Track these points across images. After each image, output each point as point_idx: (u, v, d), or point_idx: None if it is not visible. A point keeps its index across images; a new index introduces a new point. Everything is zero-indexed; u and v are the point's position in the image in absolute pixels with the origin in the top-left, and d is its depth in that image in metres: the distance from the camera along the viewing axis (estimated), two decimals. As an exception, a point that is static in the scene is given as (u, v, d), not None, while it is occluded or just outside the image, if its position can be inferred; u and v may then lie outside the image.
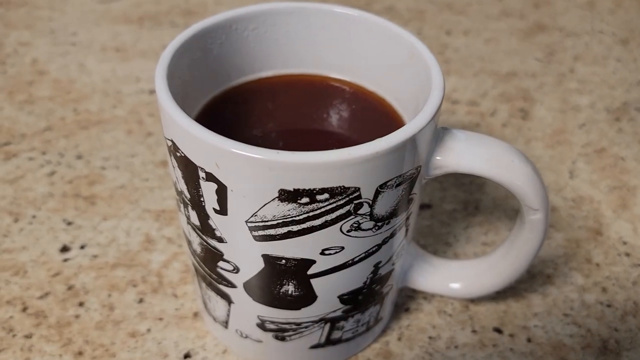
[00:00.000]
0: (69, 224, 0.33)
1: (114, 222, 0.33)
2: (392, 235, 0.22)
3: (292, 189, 0.19)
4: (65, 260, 0.31)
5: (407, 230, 0.24)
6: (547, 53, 0.49)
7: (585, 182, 0.37)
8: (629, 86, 0.45)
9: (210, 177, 0.19)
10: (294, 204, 0.19)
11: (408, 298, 0.30)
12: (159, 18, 0.51)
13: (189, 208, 0.22)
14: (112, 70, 0.45)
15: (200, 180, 0.20)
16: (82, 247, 0.32)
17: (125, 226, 0.33)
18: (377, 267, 0.23)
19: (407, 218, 0.23)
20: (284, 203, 0.19)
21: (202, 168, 0.19)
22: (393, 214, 0.21)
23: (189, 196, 0.21)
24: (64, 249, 0.32)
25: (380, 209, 0.20)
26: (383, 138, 0.19)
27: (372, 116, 0.26)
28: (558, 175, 0.37)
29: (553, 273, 0.32)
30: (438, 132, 0.22)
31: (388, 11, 0.53)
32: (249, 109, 0.26)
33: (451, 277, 0.27)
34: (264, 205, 0.19)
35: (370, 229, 0.21)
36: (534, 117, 0.42)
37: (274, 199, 0.19)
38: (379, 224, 0.21)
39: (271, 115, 0.26)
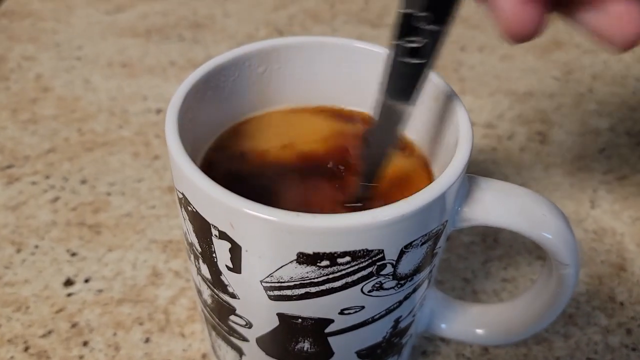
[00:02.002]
0: (73, 255, 0.32)
1: (119, 253, 0.32)
2: (414, 291, 0.21)
3: (311, 252, 0.17)
4: (69, 294, 0.30)
5: (429, 282, 0.22)
6: (564, 71, 0.47)
7: (607, 212, 0.36)
8: (650, 108, 0.44)
9: (223, 236, 0.18)
10: (313, 267, 0.18)
11: (425, 340, 0.29)
12: (166, 31, 0.50)
13: (200, 261, 0.21)
14: (118, 88, 0.44)
15: (213, 238, 0.19)
16: (86, 281, 0.31)
17: (132, 258, 0.32)
18: (397, 321, 0.22)
19: (431, 271, 0.22)
20: (302, 265, 0.18)
21: (215, 226, 0.18)
22: (417, 271, 0.20)
23: (199, 250, 0.20)
24: (68, 282, 0.31)
25: (404, 268, 0.19)
26: (410, 199, 0.17)
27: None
28: (578, 205, 0.36)
29: (575, 312, 0.30)
30: (464, 180, 0.20)
31: (401, 25, 0.52)
32: (262, 144, 0.25)
33: (474, 323, 0.26)
34: (281, 267, 0.18)
35: (393, 287, 0.20)
36: (552, 141, 0.41)
37: (291, 261, 0.18)
38: (402, 282, 0.20)
39: (285, 151, 0.25)
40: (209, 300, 0.22)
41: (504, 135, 0.41)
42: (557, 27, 0.52)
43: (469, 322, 0.26)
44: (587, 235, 0.34)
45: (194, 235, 0.20)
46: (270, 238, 0.17)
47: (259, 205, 0.17)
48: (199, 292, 0.23)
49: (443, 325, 0.26)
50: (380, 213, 0.17)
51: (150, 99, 0.43)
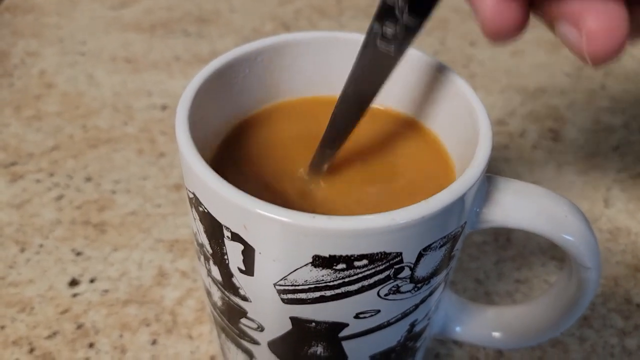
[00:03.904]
0: (78, 254, 0.31)
1: (125, 253, 0.31)
2: (431, 294, 0.20)
3: (327, 255, 0.17)
4: (75, 295, 0.29)
5: (445, 284, 0.22)
6: (576, 67, 0.46)
7: (622, 211, 0.35)
8: (663, 105, 0.43)
9: (236, 238, 0.18)
10: (329, 270, 0.17)
11: (438, 343, 0.28)
12: (171, 26, 0.49)
13: (210, 262, 0.20)
14: (122, 83, 0.43)
15: (225, 239, 0.18)
16: (91, 281, 0.30)
17: (137, 258, 0.31)
18: (413, 325, 0.21)
19: (447, 273, 0.21)
20: (317, 268, 0.17)
21: (227, 227, 0.18)
22: (434, 273, 0.19)
23: (210, 251, 0.20)
24: (73, 282, 0.30)
25: (422, 271, 0.19)
26: (429, 200, 0.17)
27: (406, 140, 0.24)
28: (592, 204, 0.35)
29: (591, 314, 0.30)
30: (483, 181, 0.20)
31: (409, 20, 0.51)
32: (275, 140, 0.24)
33: (490, 327, 0.25)
34: (296, 270, 0.17)
35: (410, 290, 0.19)
36: (565, 139, 0.40)
37: (307, 264, 0.17)
38: (419, 285, 0.19)
39: (298, 143, 0.24)
40: (219, 303, 0.22)
41: (515, 133, 0.40)
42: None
43: (485, 325, 0.25)
44: (601, 236, 0.34)
45: (204, 236, 0.19)
46: (285, 240, 0.17)
47: (273, 206, 0.16)
48: (209, 294, 0.22)
49: (458, 329, 0.25)
50: (400, 215, 0.16)
51: (155, 95, 0.42)
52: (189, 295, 0.30)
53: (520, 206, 0.20)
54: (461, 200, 0.17)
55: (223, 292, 0.21)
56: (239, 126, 0.24)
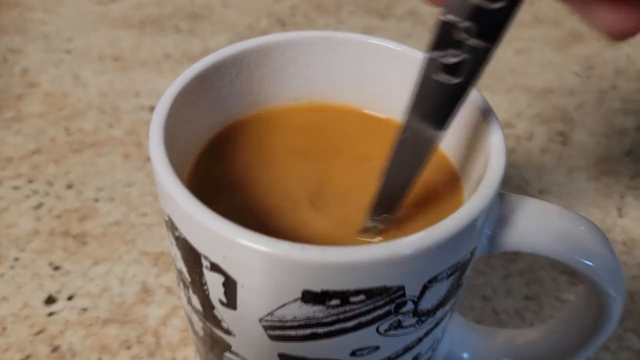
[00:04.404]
0: (56, 268, 0.29)
1: (106, 266, 0.29)
2: (436, 325, 0.18)
3: (319, 291, 0.15)
4: (51, 314, 0.27)
5: (452, 313, 0.20)
6: (585, 66, 0.44)
7: (636, 221, 0.33)
8: (678, 106, 0.41)
9: (215, 268, 0.16)
10: (321, 306, 0.15)
11: (442, 367, 0.26)
12: (162, 22, 0.47)
13: (190, 291, 0.18)
14: (109, 83, 0.41)
15: (204, 269, 0.16)
16: (69, 298, 0.28)
17: (119, 272, 0.29)
18: (416, 358, 0.19)
19: (455, 302, 0.19)
20: (308, 305, 0.15)
21: (206, 257, 0.16)
22: (440, 305, 0.17)
23: (189, 279, 0.17)
24: (50, 300, 0.28)
25: (427, 304, 0.17)
26: (435, 227, 0.15)
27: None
28: (605, 213, 0.33)
29: (605, 335, 0.28)
30: (496, 202, 0.18)
31: (410, 15, 0.49)
32: (262, 151, 0.22)
33: (499, 352, 0.23)
34: (283, 306, 0.15)
35: (412, 325, 0.17)
36: (574, 142, 0.38)
37: (295, 299, 0.15)
38: (423, 318, 0.17)
39: (289, 154, 0.22)
40: (201, 333, 0.20)
41: (523, 136, 0.38)
42: (576, 17, 0.49)
43: (494, 350, 0.23)
44: (615, 247, 0.32)
45: (182, 262, 0.17)
46: (270, 273, 0.15)
47: (257, 235, 0.14)
48: (191, 323, 0.20)
49: (465, 355, 0.23)
50: (402, 245, 0.14)
51: (143, 95, 0.40)
52: (174, 313, 0.28)
53: (537, 229, 0.18)
54: (471, 226, 0.15)
55: (204, 323, 0.19)
56: (223, 133, 0.22)
